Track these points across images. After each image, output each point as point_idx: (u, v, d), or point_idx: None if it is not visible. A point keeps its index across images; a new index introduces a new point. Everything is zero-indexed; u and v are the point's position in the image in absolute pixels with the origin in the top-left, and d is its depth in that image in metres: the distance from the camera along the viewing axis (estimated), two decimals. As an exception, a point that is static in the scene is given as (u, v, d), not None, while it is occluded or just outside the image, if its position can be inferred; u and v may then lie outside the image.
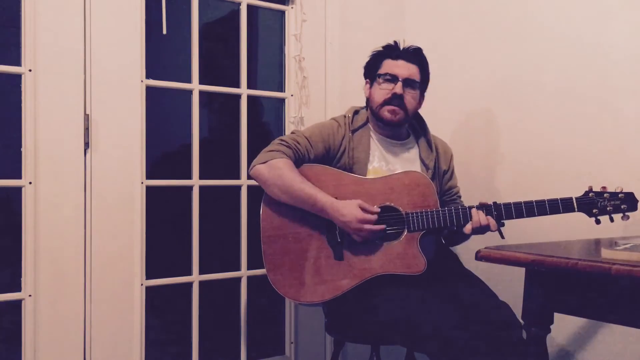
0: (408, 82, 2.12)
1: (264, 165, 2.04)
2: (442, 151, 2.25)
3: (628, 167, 2.08)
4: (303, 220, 2.04)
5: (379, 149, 2.16)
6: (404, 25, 2.86)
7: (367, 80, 2.21)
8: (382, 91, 2.12)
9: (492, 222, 1.94)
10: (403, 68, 2.12)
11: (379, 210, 1.99)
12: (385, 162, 2.15)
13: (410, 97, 2.12)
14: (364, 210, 1.97)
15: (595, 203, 1.85)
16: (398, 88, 2.09)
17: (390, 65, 2.13)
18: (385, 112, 2.12)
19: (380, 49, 2.20)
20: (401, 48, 2.16)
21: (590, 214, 1.86)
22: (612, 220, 1.85)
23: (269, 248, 2.06)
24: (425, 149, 2.21)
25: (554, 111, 2.30)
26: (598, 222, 1.85)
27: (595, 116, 2.19)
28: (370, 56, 2.23)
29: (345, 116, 2.19)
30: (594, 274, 1.36)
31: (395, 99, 2.10)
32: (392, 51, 2.16)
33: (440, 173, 2.22)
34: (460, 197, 2.28)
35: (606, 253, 1.40)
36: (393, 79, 2.11)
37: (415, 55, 2.15)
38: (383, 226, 1.98)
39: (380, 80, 2.13)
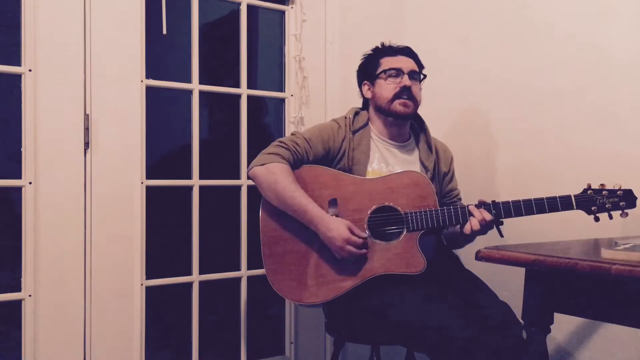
0: (412, 74, 2.14)
1: (261, 168, 2.04)
2: (442, 153, 2.25)
3: (627, 166, 2.07)
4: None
5: (379, 151, 2.16)
6: (404, 25, 2.86)
7: (366, 82, 2.21)
8: (389, 86, 2.13)
9: (490, 217, 1.94)
10: (405, 62, 2.15)
11: (366, 236, 1.99)
12: (385, 163, 2.15)
13: (416, 88, 2.15)
14: (352, 232, 1.97)
15: (593, 200, 1.85)
16: (406, 80, 2.12)
17: (391, 61, 2.15)
18: (398, 106, 2.12)
19: (371, 52, 2.23)
20: (380, 47, 2.21)
21: (589, 212, 1.86)
22: (610, 217, 1.84)
23: (268, 249, 2.06)
24: (425, 150, 2.21)
25: (553, 111, 2.30)
26: (597, 219, 1.85)
27: (593, 115, 2.19)
28: (364, 59, 2.24)
29: (345, 117, 2.19)
30: (594, 274, 1.36)
31: (405, 91, 2.12)
32: (388, 49, 2.19)
33: (440, 175, 2.22)
34: (460, 199, 2.27)
35: (606, 253, 1.40)
36: (398, 72, 2.13)
37: (410, 51, 2.20)
38: (364, 251, 1.98)
39: (385, 76, 2.14)
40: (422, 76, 2.19)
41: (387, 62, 2.16)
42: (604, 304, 1.46)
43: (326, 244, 1.99)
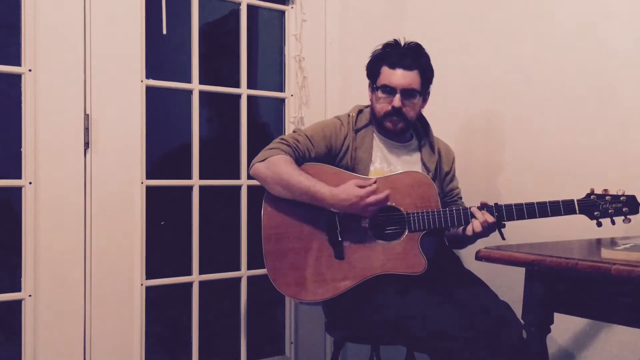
0: (406, 93, 2.09)
1: (263, 163, 2.05)
2: (445, 153, 2.25)
3: (630, 169, 2.07)
4: (304, 219, 2.04)
5: (381, 151, 2.16)
6: (404, 25, 2.86)
7: (369, 83, 2.19)
8: (381, 104, 2.11)
9: (492, 220, 1.94)
10: (400, 78, 2.08)
11: (375, 179, 1.98)
12: (387, 163, 2.15)
13: (409, 107, 2.10)
14: (361, 187, 1.96)
15: (596, 205, 1.85)
16: (396, 101, 2.08)
17: (388, 75, 2.09)
18: (388, 123, 2.12)
19: (380, 47, 2.17)
20: (402, 44, 2.14)
21: (591, 217, 1.85)
22: (613, 223, 1.84)
23: (269, 246, 2.06)
24: (428, 151, 2.21)
25: (555, 112, 2.30)
26: (599, 224, 1.85)
27: (597, 117, 2.19)
28: (371, 57, 2.20)
29: (349, 115, 2.19)
30: (594, 274, 1.36)
31: (395, 112, 2.09)
32: (389, 57, 2.12)
33: (441, 175, 2.22)
34: (461, 198, 2.28)
35: (606, 253, 1.41)
36: (391, 90, 2.09)
37: (414, 59, 2.10)
38: (388, 192, 1.95)
39: (380, 93, 2.11)
40: (423, 89, 2.12)
41: (384, 75, 2.11)
42: (604, 304, 1.46)
43: (348, 212, 1.97)
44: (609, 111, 2.15)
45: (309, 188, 1.99)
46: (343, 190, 1.96)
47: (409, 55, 2.11)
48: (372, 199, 1.94)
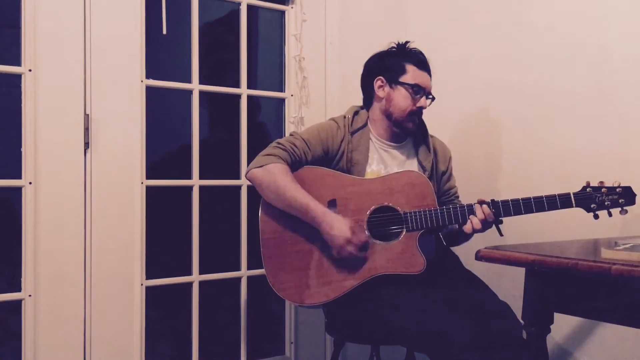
0: (428, 95, 2.15)
1: (260, 170, 2.04)
2: (441, 152, 2.25)
3: (628, 167, 2.07)
4: (302, 222, 2.04)
5: (377, 152, 2.16)
6: (403, 25, 2.86)
7: (381, 78, 2.15)
8: (409, 101, 2.11)
9: (490, 213, 1.95)
10: (427, 80, 2.14)
11: (367, 239, 1.98)
12: (383, 165, 2.15)
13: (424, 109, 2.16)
14: (353, 233, 1.96)
15: (593, 198, 1.85)
16: (424, 102, 2.12)
17: (418, 76, 2.12)
18: (409, 123, 2.13)
19: (394, 46, 2.17)
20: (407, 49, 2.16)
21: (588, 209, 1.85)
22: (610, 215, 1.84)
23: (268, 251, 2.06)
24: (424, 151, 2.20)
25: (553, 111, 2.30)
26: (596, 217, 1.85)
27: (595, 116, 2.19)
28: (386, 53, 2.18)
29: (345, 117, 2.18)
30: (594, 274, 1.36)
31: (419, 112, 2.13)
32: (413, 56, 2.14)
33: (438, 175, 2.22)
34: (458, 197, 2.27)
35: (606, 253, 1.40)
36: (420, 91, 2.11)
37: (429, 67, 2.17)
38: (364, 253, 1.98)
39: (411, 90, 2.11)
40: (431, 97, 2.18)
41: (413, 73, 2.12)
42: (604, 304, 1.46)
43: (327, 241, 1.99)
44: (607, 110, 2.15)
45: (301, 204, 1.98)
46: (337, 220, 1.96)
47: (427, 64, 2.17)
48: (350, 249, 1.95)
